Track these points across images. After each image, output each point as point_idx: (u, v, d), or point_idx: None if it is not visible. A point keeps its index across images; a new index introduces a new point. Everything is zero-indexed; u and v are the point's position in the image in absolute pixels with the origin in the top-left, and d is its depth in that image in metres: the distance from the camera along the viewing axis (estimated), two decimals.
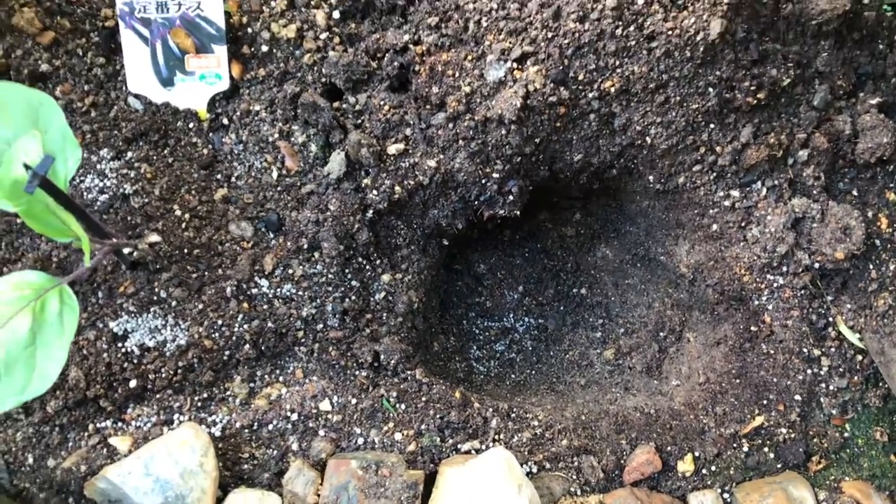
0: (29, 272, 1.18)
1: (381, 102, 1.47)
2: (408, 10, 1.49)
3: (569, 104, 1.46)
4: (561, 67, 1.43)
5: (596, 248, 1.88)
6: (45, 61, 1.44)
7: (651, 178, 1.61)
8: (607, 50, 1.41)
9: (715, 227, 1.61)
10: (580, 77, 1.44)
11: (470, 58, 1.45)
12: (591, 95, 1.46)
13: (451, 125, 1.46)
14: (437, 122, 1.46)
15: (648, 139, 1.51)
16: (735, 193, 1.55)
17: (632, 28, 1.38)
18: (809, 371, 1.57)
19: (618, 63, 1.41)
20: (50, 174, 1.05)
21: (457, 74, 1.45)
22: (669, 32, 1.37)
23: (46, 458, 1.34)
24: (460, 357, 1.74)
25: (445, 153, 1.48)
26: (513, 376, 1.76)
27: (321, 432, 1.41)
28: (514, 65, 1.43)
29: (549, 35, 1.43)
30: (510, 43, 1.44)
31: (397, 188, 1.49)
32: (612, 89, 1.45)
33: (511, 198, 1.55)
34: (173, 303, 1.42)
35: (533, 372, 1.77)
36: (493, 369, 1.77)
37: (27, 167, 0.95)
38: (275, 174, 1.50)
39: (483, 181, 1.51)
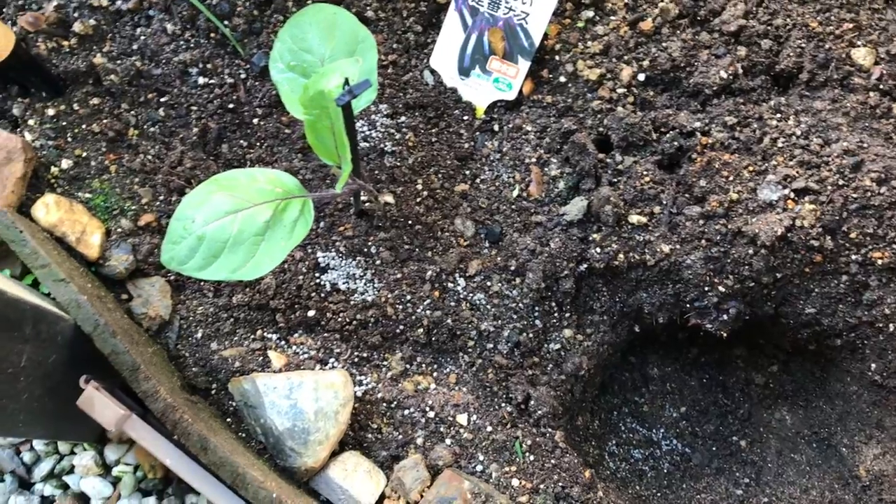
0: (285, 174, 1.33)
1: (644, 172, 1.53)
2: (711, 101, 1.55)
3: (827, 255, 1.46)
4: (837, 217, 1.43)
5: (777, 407, 1.83)
6: (372, 9, 1.63)
7: (874, 366, 1.56)
8: (893, 222, 1.40)
9: None
10: (852, 235, 1.44)
11: (751, 169, 1.49)
12: (853, 258, 1.45)
13: (701, 221, 1.50)
14: (689, 213, 1.51)
15: (892, 327, 1.48)
16: None
17: None
18: None
19: None
20: None
21: (730, 178, 1.49)
22: None
23: (212, 340, 1.49)
24: (596, 443, 1.75)
25: (683, 245, 1.51)
26: (637, 488, 1.74)
27: (447, 441, 1.47)
28: (792, 194, 1.45)
29: (840, 182, 1.44)
30: (797, 172, 1.46)
31: (621, 256, 1.54)
32: (879, 261, 1.44)
33: (725, 318, 1.55)
34: (378, 261, 1.54)
35: (659, 495, 1.74)
36: (622, 472, 1.76)
37: (347, 82, 1.10)
38: (515, 192, 1.60)
39: (706, 289, 1.53)
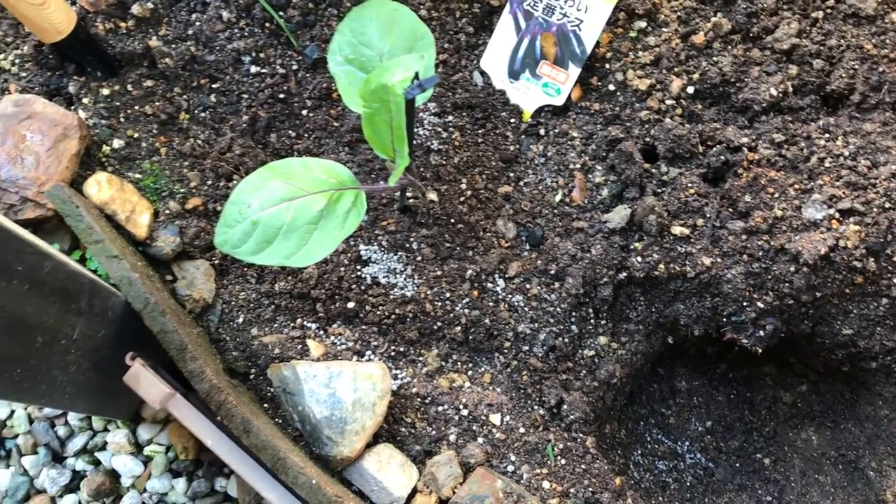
0: (339, 165, 1.35)
1: (689, 184, 1.55)
2: (759, 117, 1.57)
3: (869, 277, 1.47)
4: (882, 240, 1.44)
5: (804, 427, 1.84)
6: (426, 8, 1.65)
7: None
8: None
9: None
10: None
11: (796, 186, 1.51)
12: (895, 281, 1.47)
13: (744, 237, 1.51)
14: (732, 228, 1.52)
15: None
16: None
17: None
18: None
19: None
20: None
21: (775, 195, 1.51)
22: None
23: (253, 325, 1.51)
24: (623, 452, 1.76)
25: (724, 259, 1.53)
26: (660, 499, 1.75)
27: (480, 440, 1.49)
28: (837, 214, 1.47)
29: (886, 205, 1.45)
30: (843, 193, 1.48)
31: (661, 266, 1.55)
32: None
33: (761, 334, 1.57)
34: (419, 257, 1.56)
35: None
36: (645, 482, 1.77)
37: (417, 77, 1.12)
38: (558, 197, 1.62)
39: (744, 304, 1.54)
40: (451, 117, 1.64)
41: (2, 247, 0.90)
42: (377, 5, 1.39)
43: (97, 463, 1.57)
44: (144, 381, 1.24)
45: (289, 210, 1.25)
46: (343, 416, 1.39)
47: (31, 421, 1.58)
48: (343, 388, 1.40)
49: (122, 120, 1.55)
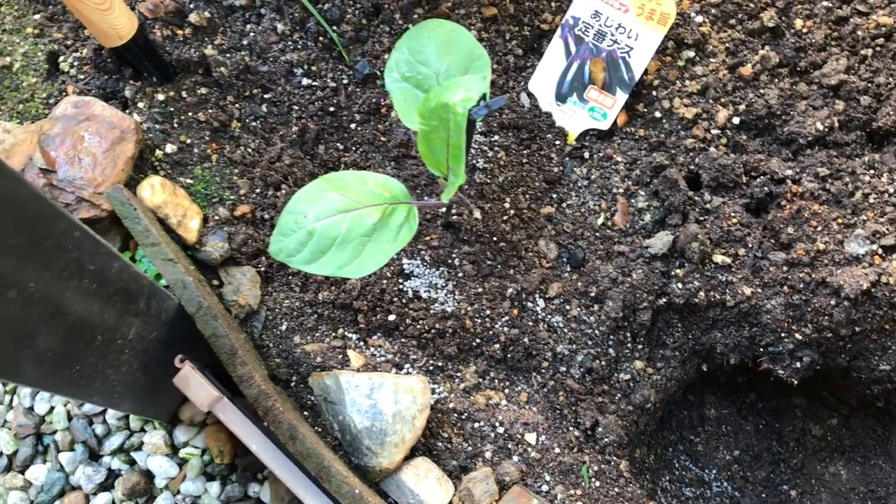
0: (393, 180, 1.38)
1: (732, 213, 1.57)
2: (804, 150, 1.59)
3: None
4: None
5: (833, 461, 1.85)
6: (476, 29, 1.68)
7: None
8: None
9: None
10: None
11: (840, 221, 1.52)
12: None
13: (785, 268, 1.53)
14: (773, 259, 1.54)
15: None
16: None
17: None
18: None
19: None
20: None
21: (818, 228, 1.53)
22: None
23: (295, 333, 1.53)
24: (651, 477, 1.77)
25: (764, 290, 1.54)
26: None
27: (515, 458, 1.50)
28: (879, 250, 1.48)
29: None
30: (886, 229, 1.49)
31: (701, 294, 1.57)
32: None
33: (797, 365, 1.58)
34: (460, 274, 1.58)
35: None
36: None
37: (484, 97, 1.14)
38: (600, 220, 1.64)
39: (782, 335, 1.56)
40: (497, 137, 1.66)
41: (78, 246, 0.93)
42: (435, 25, 1.42)
43: (133, 462, 1.59)
44: (194, 383, 1.26)
45: (344, 221, 1.28)
46: (383, 427, 1.40)
47: (69, 418, 1.60)
48: (384, 399, 1.42)
49: (175, 125, 1.59)
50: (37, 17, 1.70)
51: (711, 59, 1.64)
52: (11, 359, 0.94)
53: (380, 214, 1.32)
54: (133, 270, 1.11)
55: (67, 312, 1.00)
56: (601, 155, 1.66)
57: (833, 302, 1.49)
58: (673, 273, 1.58)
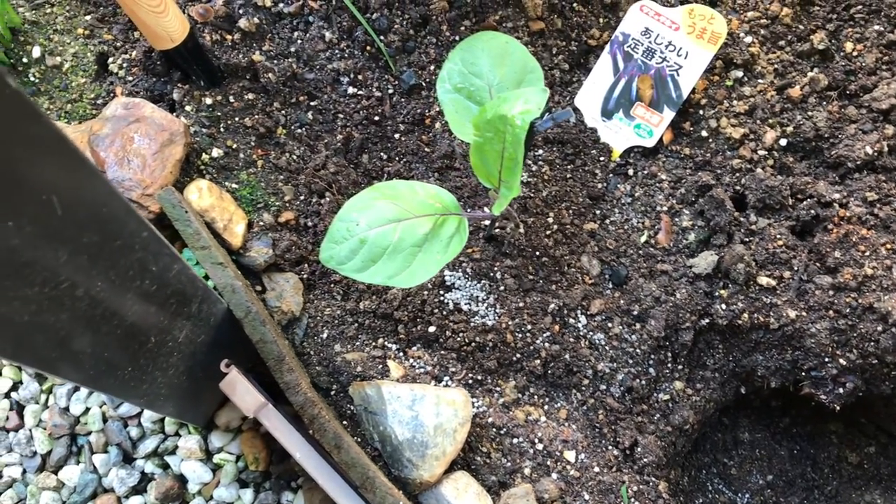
0: (444, 190, 1.38)
1: (778, 235, 1.56)
2: (851, 174, 1.58)
3: None
4: None
5: (869, 490, 1.83)
6: (523, 42, 1.68)
7: None
8: None
9: None
10: None
11: (888, 247, 1.52)
12: None
13: (831, 292, 1.52)
14: (819, 282, 1.53)
15: None
16: None
17: None
18: None
19: None
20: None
21: (866, 253, 1.52)
22: None
23: (336, 342, 1.53)
24: (684, 500, 1.75)
25: (809, 313, 1.53)
26: None
27: (554, 475, 1.49)
28: None
29: None
30: None
31: (745, 315, 1.56)
32: None
33: (840, 391, 1.57)
34: (501, 287, 1.58)
35: None
36: None
37: (550, 110, 1.14)
38: (643, 238, 1.64)
39: (826, 360, 1.55)
40: (541, 151, 1.66)
41: (145, 247, 0.93)
42: (489, 37, 1.43)
43: (166, 466, 1.58)
44: (240, 388, 1.26)
45: (396, 231, 1.28)
46: (424, 439, 1.40)
47: (105, 419, 1.60)
48: (426, 411, 1.42)
49: (222, 130, 1.59)
50: (88, 17, 1.72)
51: (760, 80, 1.64)
52: (72, 358, 0.94)
53: (431, 225, 1.32)
54: (191, 273, 1.11)
55: (127, 313, 1.00)
56: (646, 172, 1.66)
57: (880, 328, 1.48)
58: (717, 294, 1.57)
